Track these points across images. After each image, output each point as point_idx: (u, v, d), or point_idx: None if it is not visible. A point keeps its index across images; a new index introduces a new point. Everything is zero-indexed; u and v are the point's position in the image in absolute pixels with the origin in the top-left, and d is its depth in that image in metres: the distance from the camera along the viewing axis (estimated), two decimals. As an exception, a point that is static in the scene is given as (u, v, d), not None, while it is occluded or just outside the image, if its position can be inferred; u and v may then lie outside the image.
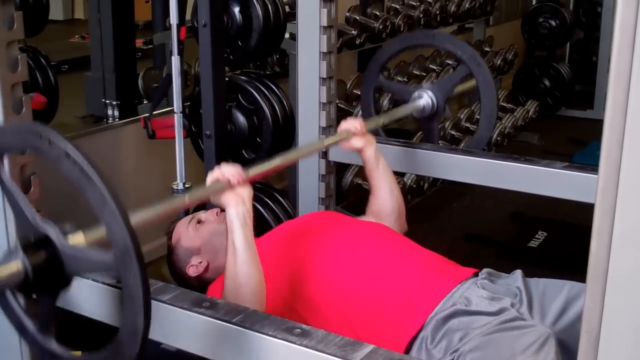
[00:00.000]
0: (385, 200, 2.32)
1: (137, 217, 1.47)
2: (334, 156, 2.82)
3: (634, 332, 1.06)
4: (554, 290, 1.92)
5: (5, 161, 1.43)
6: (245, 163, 3.09)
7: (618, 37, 0.96)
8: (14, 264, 1.28)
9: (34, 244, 1.31)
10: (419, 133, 4.51)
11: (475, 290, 1.87)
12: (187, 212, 2.78)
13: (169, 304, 1.53)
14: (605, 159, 1.01)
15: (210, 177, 1.79)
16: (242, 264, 1.76)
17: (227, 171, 1.79)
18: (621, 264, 1.02)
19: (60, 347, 1.38)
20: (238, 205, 1.77)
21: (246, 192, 1.80)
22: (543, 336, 1.74)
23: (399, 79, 4.63)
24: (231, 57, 3.06)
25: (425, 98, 2.70)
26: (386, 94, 4.10)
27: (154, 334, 1.59)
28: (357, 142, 2.30)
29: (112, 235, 1.20)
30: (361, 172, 3.86)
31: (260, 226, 2.47)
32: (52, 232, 1.30)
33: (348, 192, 3.83)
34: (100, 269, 1.31)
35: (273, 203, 3.15)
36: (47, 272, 1.29)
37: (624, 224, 1.01)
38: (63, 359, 1.38)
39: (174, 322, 1.53)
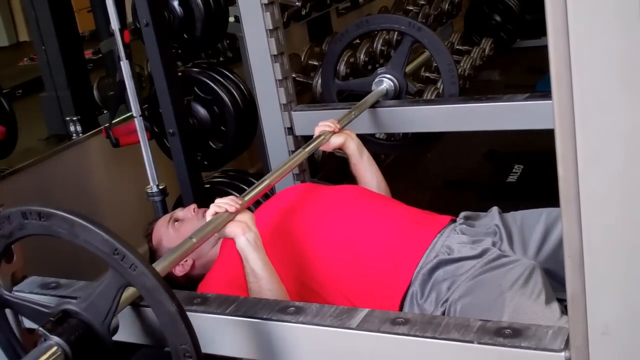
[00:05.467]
0: (374, 190, 2.30)
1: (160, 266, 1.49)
2: (300, 130, 2.82)
3: (616, 248, 1.07)
4: (532, 221, 1.94)
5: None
6: (213, 153, 3.11)
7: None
8: (48, 346, 1.27)
9: (55, 322, 1.31)
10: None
11: (455, 237, 1.89)
12: (165, 211, 2.78)
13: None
14: (556, 84, 1.01)
15: (209, 213, 1.77)
16: (268, 287, 1.74)
17: (223, 202, 1.76)
18: (591, 184, 1.04)
19: None
20: (245, 232, 1.74)
21: (248, 217, 1.77)
22: (528, 268, 1.76)
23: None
24: (179, 51, 3.04)
25: (385, 82, 2.76)
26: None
27: (155, 340, 1.60)
28: (337, 140, 2.29)
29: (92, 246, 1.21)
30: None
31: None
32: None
33: (322, 163, 3.83)
34: (114, 289, 1.31)
35: (249, 187, 3.14)
36: (82, 337, 1.30)
37: (586, 145, 1.02)
38: None
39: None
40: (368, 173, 2.32)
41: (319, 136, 2.29)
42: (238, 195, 1.94)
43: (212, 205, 1.77)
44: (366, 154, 2.34)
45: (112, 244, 1.24)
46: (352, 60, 4.22)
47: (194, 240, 1.65)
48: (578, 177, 1.04)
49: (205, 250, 2.14)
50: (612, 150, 1.02)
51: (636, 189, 1.03)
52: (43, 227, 1.30)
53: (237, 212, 1.76)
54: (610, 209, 1.04)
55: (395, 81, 2.77)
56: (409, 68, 2.92)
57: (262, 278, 1.74)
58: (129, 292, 1.40)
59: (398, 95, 2.79)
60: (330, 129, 2.29)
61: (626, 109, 1.00)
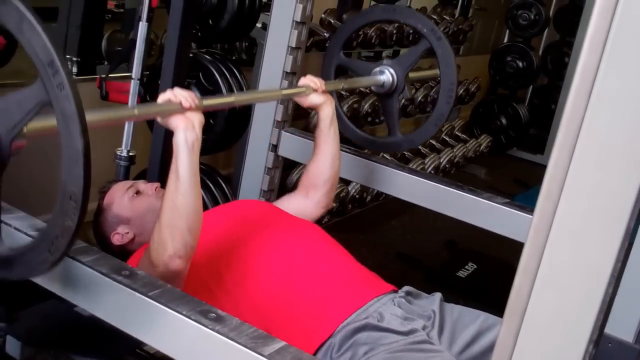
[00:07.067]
0: (325, 167, 2.29)
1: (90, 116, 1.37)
2: (283, 151, 2.82)
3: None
4: (468, 320, 1.93)
5: None
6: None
7: (577, 82, 0.97)
8: None
9: None
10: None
11: (391, 308, 1.87)
12: (126, 177, 2.76)
13: (88, 266, 1.49)
14: (543, 198, 1.02)
15: (162, 97, 1.70)
16: (183, 192, 1.67)
17: (181, 94, 1.70)
18: (540, 303, 1.04)
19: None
20: (188, 129, 1.67)
21: (197, 118, 1.71)
22: None
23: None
24: (199, 34, 3.03)
25: (386, 74, 2.67)
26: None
27: (69, 295, 1.57)
28: (316, 98, 2.24)
29: (31, 49, 1.16)
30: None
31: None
32: None
33: (291, 191, 3.81)
34: (32, 102, 1.23)
35: (215, 187, 3.13)
36: None
37: (549, 265, 1.02)
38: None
39: (90, 286, 1.50)
40: (328, 145, 2.29)
41: (301, 87, 2.25)
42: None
43: (168, 91, 1.71)
44: (334, 127, 2.31)
45: (51, 55, 1.16)
46: (355, 106, 4.26)
47: (136, 112, 1.60)
48: (531, 293, 1.04)
49: (149, 230, 2.10)
50: (571, 281, 1.02)
51: (580, 327, 1.03)
52: None
53: (190, 109, 1.70)
54: (550, 335, 1.04)
55: (395, 77, 2.67)
56: (413, 75, 2.83)
57: (183, 181, 1.67)
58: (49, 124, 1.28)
59: (391, 93, 2.71)
60: (315, 86, 2.25)
61: (597, 246, 1.01)
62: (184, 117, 1.68)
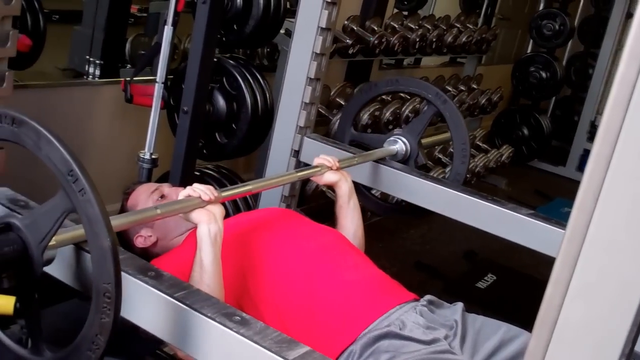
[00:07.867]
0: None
1: (117, 220, 1.49)
2: (305, 157, 2.80)
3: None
4: (490, 330, 1.92)
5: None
6: (215, 145, 3.09)
7: (616, 91, 0.96)
8: None
9: None
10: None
11: (413, 316, 1.86)
12: (148, 179, 2.76)
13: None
14: (578, 209, 1.00)
15: (183, 193, 1.79)
16: (208, 282, 1.73)
17: (200, 188, 1.78)
18: (572, 315, 1.02)
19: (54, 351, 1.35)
20: (210, 222, 1.75)
21: (218, 211, 1.78)
22: None
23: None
24: (224, 39, 3.04)
25: (399, 143, 2.78)
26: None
27: (81, 285, 1.56)
28: (331, 177, 2.30)
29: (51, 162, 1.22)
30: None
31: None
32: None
33: (311, 196, 3.82)
34: (58, 212, 1.29)
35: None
36: (14, 252, 1.28)
37: (582, 277, 1.01)
38: None
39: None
40: (349, 219, 2.32)
41: (316, 167, 2.30)
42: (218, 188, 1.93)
43: (188, 188, 1.79)
44: (354, 200, 2.34)
45: (70, 164, 1.22)
46: (377, 114, 4.25)
47: (158, 211, 1.67)
48: (562, 306, 1.02)
49: (172, 235, 2.12)
50: (604, 294, 1.01)
51: (613, 341, 1.02)
52: (13, 133, 1.28)
53: (210, 202, 1.77)
54: (581, 348, 1.03)
55: (408, 146, 2.77)
56: (425, 141, 2.93)
57: (207, 272, 1.73)
58: (77, 232, 1.39)
59: (406, 161, 2.79)
60: (329, 164, 2.30)
61: (631, 259, 0.99)
62: (206, 210, 1.77)
